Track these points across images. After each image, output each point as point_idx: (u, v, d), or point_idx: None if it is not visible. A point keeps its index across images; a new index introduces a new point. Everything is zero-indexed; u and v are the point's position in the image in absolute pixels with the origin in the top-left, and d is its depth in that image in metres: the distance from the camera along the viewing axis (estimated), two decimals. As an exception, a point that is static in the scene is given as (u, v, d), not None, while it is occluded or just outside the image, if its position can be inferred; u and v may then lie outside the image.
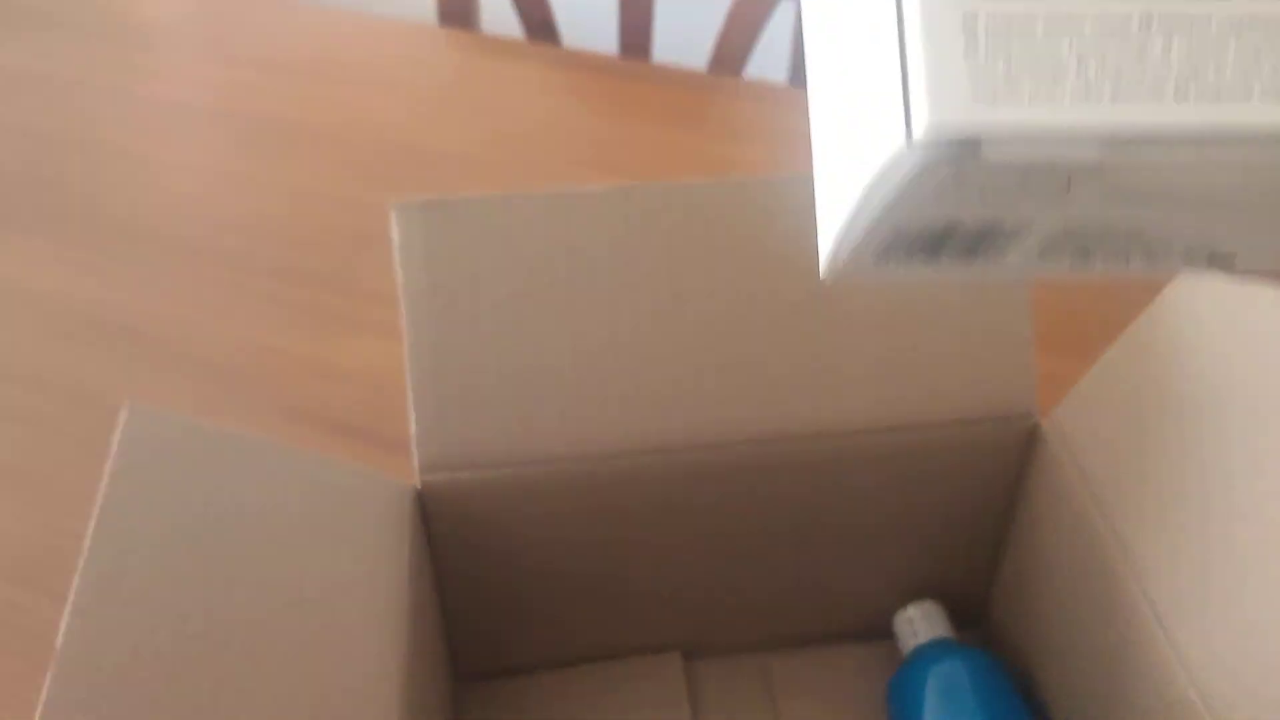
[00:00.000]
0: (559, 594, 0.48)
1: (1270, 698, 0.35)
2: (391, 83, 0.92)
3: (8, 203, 0.81)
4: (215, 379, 0.67)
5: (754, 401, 0.43)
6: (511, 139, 0.86)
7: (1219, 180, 0.15)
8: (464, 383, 0.42)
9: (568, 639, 0.51)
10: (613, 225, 0.43)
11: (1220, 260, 0.19)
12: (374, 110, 0.89)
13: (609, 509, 0.45)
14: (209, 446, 0.38)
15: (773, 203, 0.43)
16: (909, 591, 0.51)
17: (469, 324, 0.42)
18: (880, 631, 0.51)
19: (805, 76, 0.19)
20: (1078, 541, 0.44)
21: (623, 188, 0.43)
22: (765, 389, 0.43)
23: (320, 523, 0.39)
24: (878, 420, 0.44)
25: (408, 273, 0.42)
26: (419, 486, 0.43)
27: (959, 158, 0.14)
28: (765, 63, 1.04)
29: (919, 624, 0.50)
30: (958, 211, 0.16)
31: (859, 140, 0.16)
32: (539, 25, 1.03)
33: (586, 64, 0.94)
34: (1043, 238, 0.18)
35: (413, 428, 0.42)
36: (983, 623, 0.53)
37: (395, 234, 0.42)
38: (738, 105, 0.92)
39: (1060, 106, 0.14)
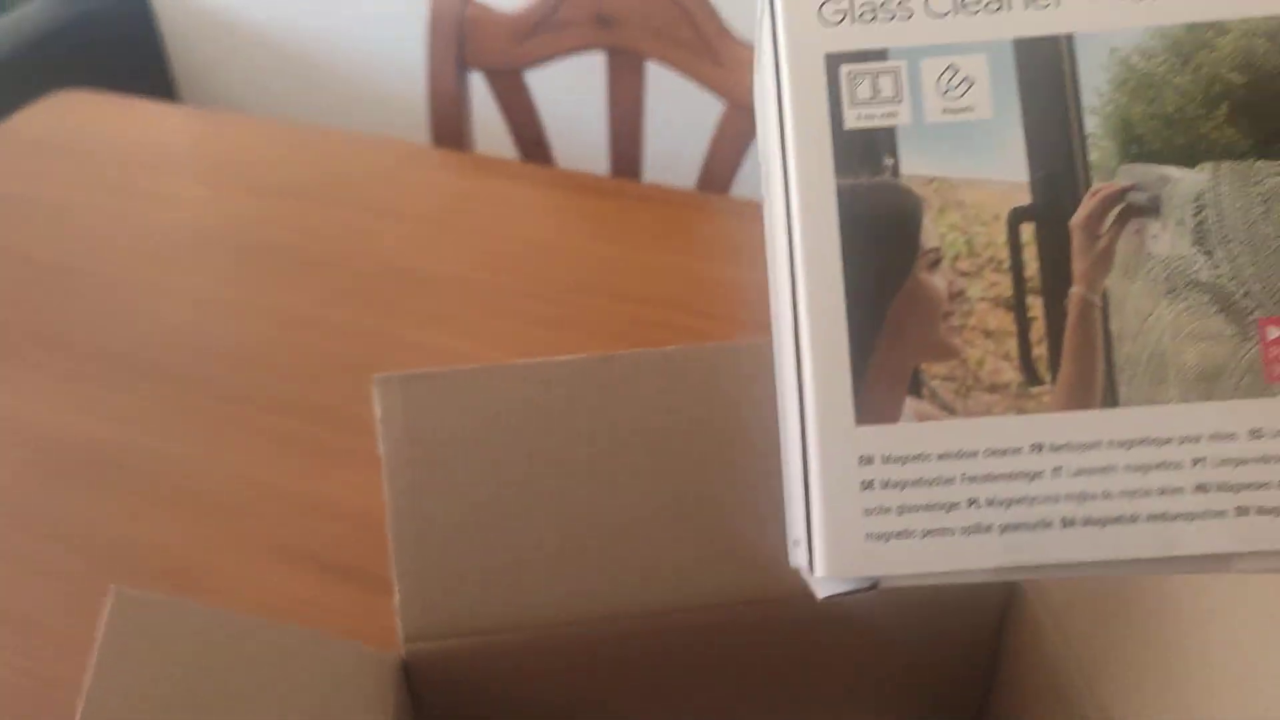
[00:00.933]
0: (545, 753, 0.48)
1: None
2: (386, 205, 0.94)
3: None
4: (206, 517, 0.67)
5: (733, 566, 0.44)
6: (506, 260, 0.87)
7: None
8: (446, 552, 0.43)
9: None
10: (591, 393, 0.44)
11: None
12: (369, 233, 0.91)
13: (597, 673, 0.45)
14: (194, 628, 0.38)
15: (751, 369, 0.44)
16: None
17: (451, 494, 0.43)
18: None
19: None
20: (1058, 710, 0.44)
21: (602, 357, 0.44)
22: (744, 552, 0.44)
23: (306, 702, 0.39)
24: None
25: (389, 445, 0.43)
26: (403, 655, 0.43)
27: (859, 586, 0.15)
28: (754, 179, 1.06)
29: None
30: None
31: (794, 510, 0.17)
32: (531, 144, 1.06)
33: (579, 184, 0.96)
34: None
35: (396, 599, 0.43)
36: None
37: (377, 406, 0.43)
38: (727, 223, 0.94)
39: (950, 542, 0.14)
